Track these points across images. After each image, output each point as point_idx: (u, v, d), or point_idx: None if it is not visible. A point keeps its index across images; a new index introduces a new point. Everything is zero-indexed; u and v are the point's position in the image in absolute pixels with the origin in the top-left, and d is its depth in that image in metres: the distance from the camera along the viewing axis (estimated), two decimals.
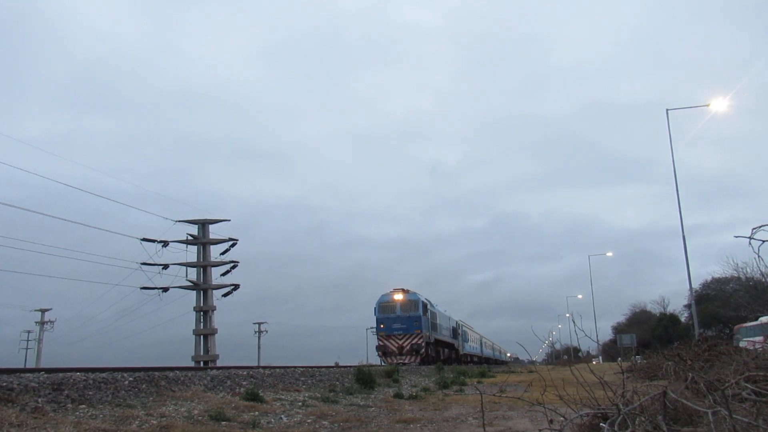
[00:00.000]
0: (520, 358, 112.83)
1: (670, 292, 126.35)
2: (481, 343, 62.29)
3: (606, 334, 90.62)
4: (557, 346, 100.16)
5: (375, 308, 32.46)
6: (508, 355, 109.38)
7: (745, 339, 25.58)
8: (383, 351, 31.69)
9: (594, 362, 57.19)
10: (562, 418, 5.64)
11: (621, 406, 4.34)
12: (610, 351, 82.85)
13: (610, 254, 59.05)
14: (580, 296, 77.08)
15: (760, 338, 22.86)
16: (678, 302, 75.26)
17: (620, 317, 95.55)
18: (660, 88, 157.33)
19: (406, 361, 30.37)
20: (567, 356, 78.39)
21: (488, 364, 61.06)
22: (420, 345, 30.83)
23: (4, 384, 5.92)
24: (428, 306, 34.23)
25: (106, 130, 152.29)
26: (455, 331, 45.26)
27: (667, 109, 26.33)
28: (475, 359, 56.38)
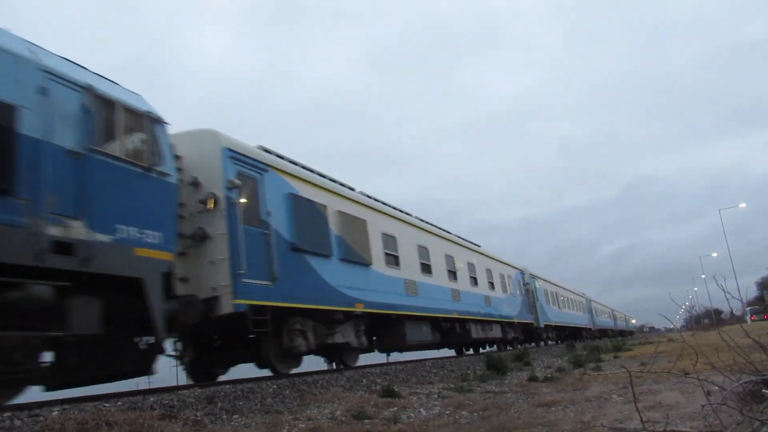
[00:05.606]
0: (656, 327, 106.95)
1: None
2: (555, 298, 35.71)
3: (752, 292, 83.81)
4: (696, 310, 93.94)
5: None
6: (633, 321, 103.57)
7: None
8: None
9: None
10: (717, 388, 5.27)
11: None
12: (759, 309, 76.46)
13: (743, 206, 53.88)
14: (714, 254, 71.73)
15: None
16: None
17: (765, 272, 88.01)
18: None
19: None
20: (708, 320, 73.15)
21: (591, 338, 45.62)
22: None
23: (167, 402, 6.47)
24: None
25: None
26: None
27: None
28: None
